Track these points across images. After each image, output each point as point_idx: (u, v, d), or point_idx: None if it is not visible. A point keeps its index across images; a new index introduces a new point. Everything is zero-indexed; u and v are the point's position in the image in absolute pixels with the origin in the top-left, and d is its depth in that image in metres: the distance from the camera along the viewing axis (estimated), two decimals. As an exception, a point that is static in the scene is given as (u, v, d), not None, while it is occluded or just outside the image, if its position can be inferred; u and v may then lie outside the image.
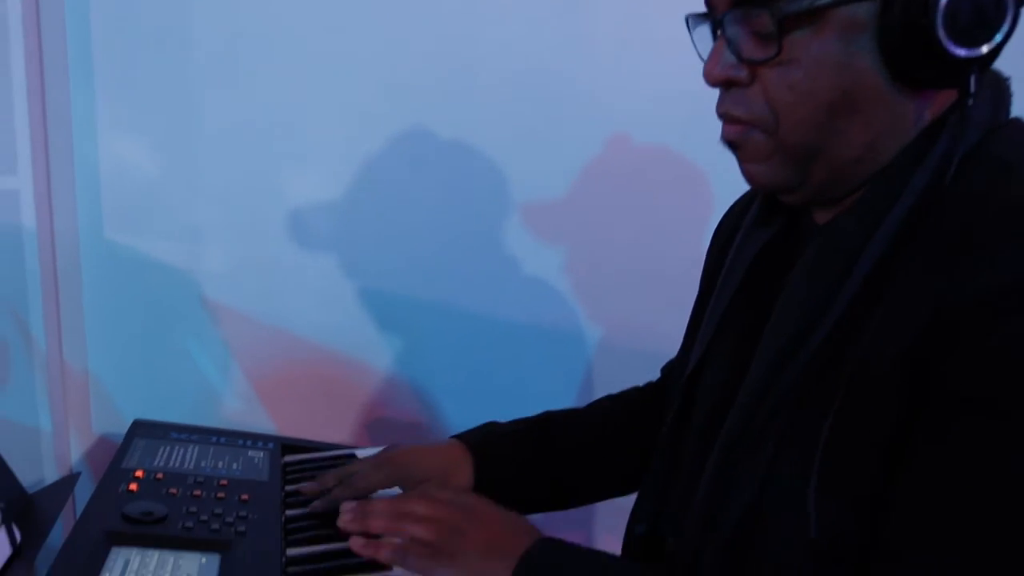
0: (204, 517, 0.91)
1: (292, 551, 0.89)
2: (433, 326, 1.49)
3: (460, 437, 1.01)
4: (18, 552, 0.82)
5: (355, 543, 0.79)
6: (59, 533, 1.04)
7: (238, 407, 1.47)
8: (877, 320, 0.61)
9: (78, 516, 0.90)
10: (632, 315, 1.55)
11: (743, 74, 0.66)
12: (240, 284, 1.44)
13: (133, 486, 0.96)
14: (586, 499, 1.08)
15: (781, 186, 0.70)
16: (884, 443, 0.60)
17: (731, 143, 0.70)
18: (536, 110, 1.44)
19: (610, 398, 1.09)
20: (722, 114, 0.70)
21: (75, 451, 1.44)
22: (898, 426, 0.59)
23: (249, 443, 1.14)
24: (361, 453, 1.15)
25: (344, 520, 0.82)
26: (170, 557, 0.84)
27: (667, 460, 0.84)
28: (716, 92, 0.70)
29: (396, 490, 0.97)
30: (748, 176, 0.72)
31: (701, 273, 0.94)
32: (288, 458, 1.13)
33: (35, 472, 1.40)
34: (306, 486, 1.00)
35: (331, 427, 1.48)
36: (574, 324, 1.55)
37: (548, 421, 1.04)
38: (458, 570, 0.74)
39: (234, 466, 1.06)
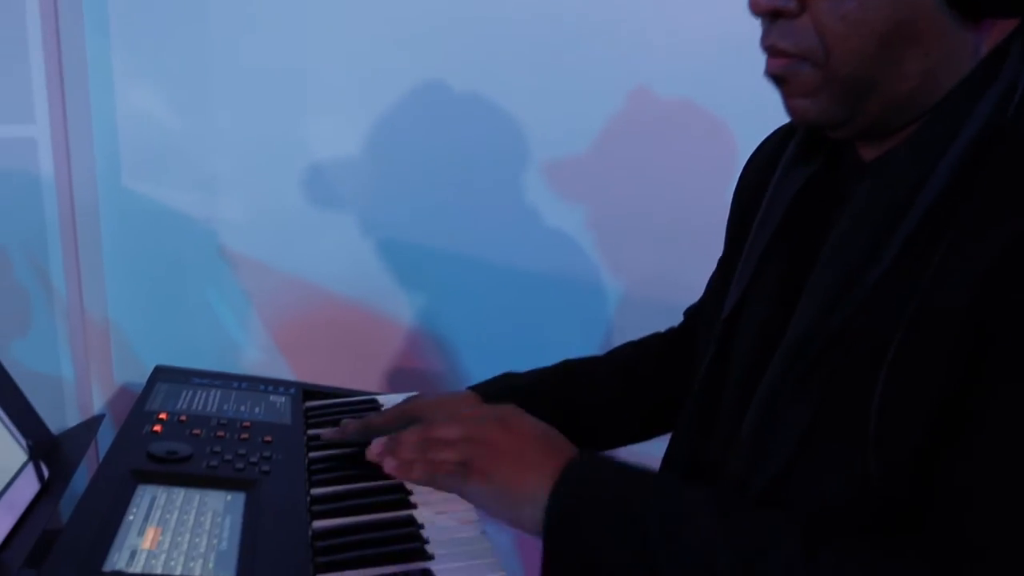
0: (228, 457, 0.91)
1: (317, 491, 0.89)
2: (453, 276, 1.48)
3: (476, 388, 1.00)
4: (46, 488, 0.82)
5: (387, 465, 0.79)
6: (83, 476, 1.05)
7: (258, 357, 1.47)
8: (939, 258, 0.59)
9: (102, 458, 0.91)
10: (654, 267, 1.54)
11: (792, 4, 0.64)
12: (258, 234, 1.44)
13: (157, 427, 0.96)
14: (605, 447, 1.07)
15: (829, 121, 0.68)
16: (947, 385, 0.58)
17: (776, 77, 0.68)
18: (558, 60, 1.42)
19: (632, 344, 1.08)
20: (767, 47, 0.67)
21: (97, 400, 1.44)
22: (965, 367, 0.57)
23: (271, 388, 1.14)
24: (383, 399, 1.15)
25: (372, 452, 0.84)
26: (196, 495, 0.84)
27: (703, 403, 0.82)
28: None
29: None
30: (794, 111, 0.69)
31: (729, 216, 0.92)
32: (310, 403, 1.13)
33: (58, 420, 1.41)
34: (326, 432, 1.00)
35: (351, 377, 1.46)
36: (595, 275, 1.54)
37: (567, 371, 1.03)
38: (491, 487, 0.73)
39: (256, 410, 1.06)
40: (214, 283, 1.45)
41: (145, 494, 0.83)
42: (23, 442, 0.85)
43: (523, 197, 1.48)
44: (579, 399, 1.00)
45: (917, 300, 0.60)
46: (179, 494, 0.84)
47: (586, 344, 1.54)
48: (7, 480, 0.78)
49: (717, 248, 0.98)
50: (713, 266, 1.03)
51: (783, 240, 0.77)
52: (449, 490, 0.77)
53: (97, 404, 1.45)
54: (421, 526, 0.83)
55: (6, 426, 0.84)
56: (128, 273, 1.43)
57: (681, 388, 0.93)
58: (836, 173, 0.75)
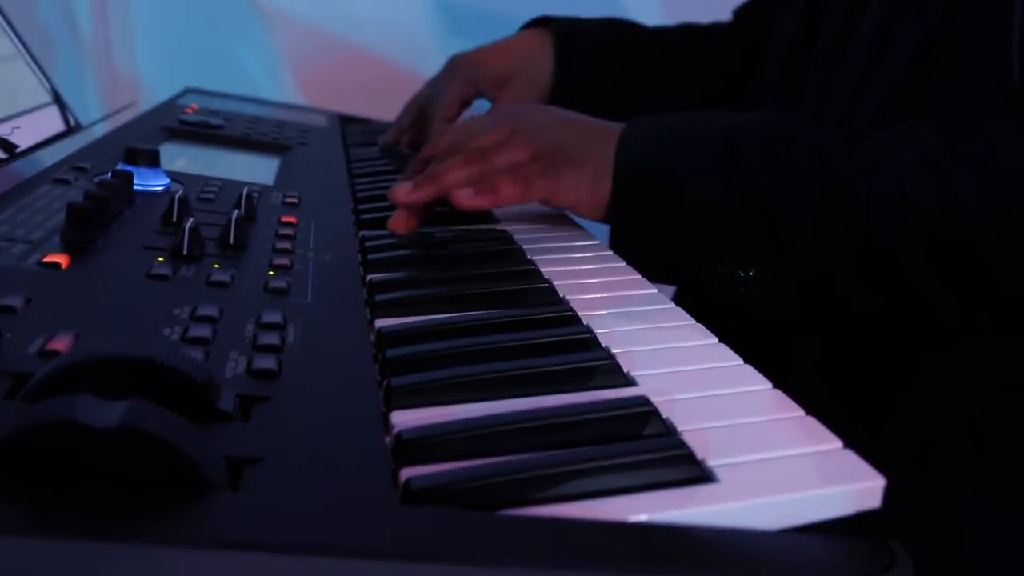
0: (263, 131, 0.86)
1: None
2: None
3: (531, 23, 0.88)
4: (70, 131, 0.77)
5: (461, 197, 0.56)
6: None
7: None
8: None
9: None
10: None
11: None
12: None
13: (189, 110, 0.91)
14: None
15: None
16: None
17: None
18: None
19: (687, 28, 0.94)
20: None
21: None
22: None
23: (307, 111, 1.09)
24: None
25: (418, 192, 0.57)
26: (226, 153, 0.79)
27: (786, 77, 0.73)
28: None
29: None
30: None
31: None
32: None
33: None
34: (385, 136, 0.89)
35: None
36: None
37: (625, 23, 0.90)
38: (584, 164, 0.59)
39: (291, 117, 1.00)
40: (247, 40, 1.38)
41: (173, 148, 0.78)
42: (47, 86, 0.79)
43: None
44: (642, 45, 0.88)
45: None
46: (208, 152, 0.79)
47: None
48: (31, 106, 0.73)
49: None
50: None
51: None
52: (543, 191, 0.58)
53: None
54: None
55: (31, 68, 0.78)
56: (158, 27, 1.36)
57: (736, 80, 0.85)
58: None
